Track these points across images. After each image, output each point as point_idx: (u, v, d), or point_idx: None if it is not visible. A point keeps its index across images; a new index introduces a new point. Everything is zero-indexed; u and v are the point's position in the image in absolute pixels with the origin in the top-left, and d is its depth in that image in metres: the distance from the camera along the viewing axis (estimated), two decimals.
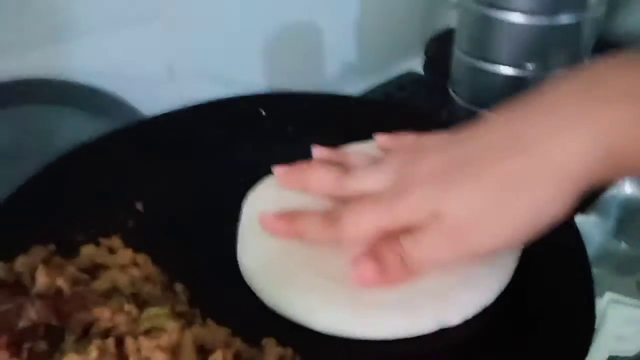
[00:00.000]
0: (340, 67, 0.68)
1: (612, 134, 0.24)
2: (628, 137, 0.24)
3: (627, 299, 0.41)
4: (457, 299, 0.28)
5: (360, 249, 0.29)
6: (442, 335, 0.28)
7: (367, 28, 0.68)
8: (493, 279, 0.29)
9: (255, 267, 0.31)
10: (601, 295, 0.41)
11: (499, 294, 0.29)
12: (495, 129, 0.27)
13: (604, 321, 0.40)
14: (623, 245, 0.46)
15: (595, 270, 0.42)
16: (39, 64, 0.47)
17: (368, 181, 0.30)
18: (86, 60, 0.49)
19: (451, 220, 0.26)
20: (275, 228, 0.31)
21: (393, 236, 0.28)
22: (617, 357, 0.38)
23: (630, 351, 0.38)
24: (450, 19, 0.61)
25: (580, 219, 0.45)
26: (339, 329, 0.28)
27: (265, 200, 0.36)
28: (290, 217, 0.31)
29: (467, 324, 0.28)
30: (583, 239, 0.43)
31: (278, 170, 0.35)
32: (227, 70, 0.56)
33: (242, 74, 0.58)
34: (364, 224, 0.29)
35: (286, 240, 0.31)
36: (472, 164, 0.26)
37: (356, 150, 0.37)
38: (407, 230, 0.27)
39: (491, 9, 0.45)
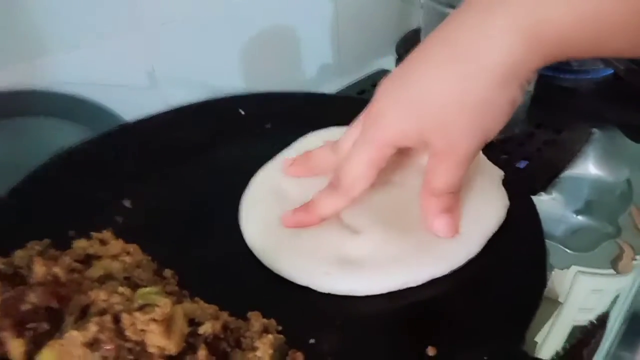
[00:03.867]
0: (318, 68, 0.70)
1: (533, 15, 0.26)
2: (551, 11, 0.25)
3: (592, 270, 0.43)
4: (424, 260, 0.32)
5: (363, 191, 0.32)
6: (411, 291, 0.31)
7: (342, 30, 0.70)
8: (460, 247, 0.33)
9: (256, 233, 0.35)
10: (568, 268, 0.43)
11: (465, 261, 0.32)
12: (431, 42, 0.29)
13: (570, 294, 0.42)
14: (589, 223, 0.48)
15: (563, 247, 0.44)
16: (22, 76, 0.48)
17: (352, 134, 0.33)
18: (69, 71, 0.50)
19: (439, 144, 0.29)
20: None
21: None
22: (580, 326, 0.40)
23: (593, 320, 0.41)
24: (420, 18, 0.64)
25: (548, 199, 0.48)
26: (321, 286, 0.31)
27: (270, 178, 0.39)
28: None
29: (434, 284, 0.31)
30: (551, 218, 0.45)
31: (285, 163, 0.39)
32: (207, 75, 0.58)
33: (222, 78, 0.59)
34: (356, 165, 0.32)
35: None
36: (418, 74, 0.29)
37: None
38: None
39: (451, 9, 0.48)
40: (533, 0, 0.26)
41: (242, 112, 0.48)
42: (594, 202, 0.49)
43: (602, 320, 0.36)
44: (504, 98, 0.28)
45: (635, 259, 0.43)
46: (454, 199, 0.32)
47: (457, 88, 0.28)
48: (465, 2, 0.28)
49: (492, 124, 0.29)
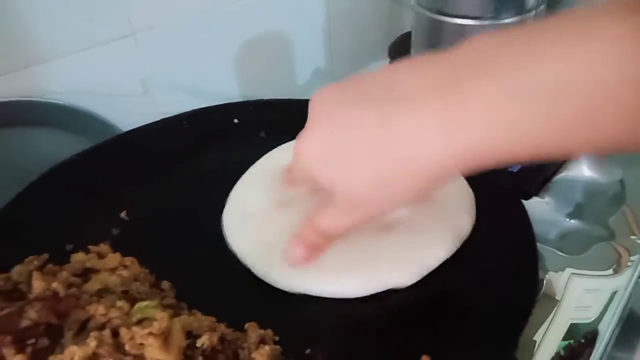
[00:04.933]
0: (311, 72, 0.70)
1: (466, 133, 0.25)
2: (483, 135, 0.25)
3: (586, 271, 0.44)
4: (406, 262, 0.32)
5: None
6: (404, 298, 0.32)
7: (334, 34, 0.70)
8: (438, 246, 0.33)
9: (244, 247, 0.35)
10: (562, 270, 0.44)
11: (444, 259, 0.33)
12: (366, 99, 0.28)
13: (566, 294, 0.42)
14: (581, 226, 0.48)
15: (555, 250, 0.45)
16: (15, 86, 0.48)
17: None
18: (62, 81, 0.50)
19: (342, 198, 0.30)
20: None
21: None
22: (578, 324, 0.41)
23: (590, 318, 0.41)
24: (411, 22, 0.64)
25: (540, 203, 0.48)
26: (311, 290, 0.32)
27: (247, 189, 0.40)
28: None
29: (418, 287, 0.32)
30: (544, 222, 0.46)
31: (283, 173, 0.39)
32: (200, 82, 0.58)
33: (216, 85, 0.59)
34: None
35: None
36: (348, 153, 0.29)
37: None
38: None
39: (440, 15, 0.48)
40: (469, 124, 0.25)
41: (236, 121, 0.48)
42: (586, 205, 0.49)
43: (591, 339, 0.37)
44: (419, 191, 0.28)
45: (629, 261, 0.43)
46: (328, 243, 0.32)
47: (379, 169, 0.28)
48: (418, 78, 0.27)
49: (399, 204, 0.30)
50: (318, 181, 0.31)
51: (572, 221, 0.48)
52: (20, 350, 0.24)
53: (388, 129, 0.27)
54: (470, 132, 0.25)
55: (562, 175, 0.50)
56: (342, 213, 0.31)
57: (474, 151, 0.25)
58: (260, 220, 0.36)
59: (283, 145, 0.43)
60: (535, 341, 0.37)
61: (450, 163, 0.26)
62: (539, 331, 0.38)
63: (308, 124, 0.31)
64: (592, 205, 0.49)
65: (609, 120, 0.23)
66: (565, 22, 0.24)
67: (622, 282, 0.42)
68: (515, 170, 0.49)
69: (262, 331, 0.27)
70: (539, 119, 0.23)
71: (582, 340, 0.38)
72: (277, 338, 0.28)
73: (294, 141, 0.42)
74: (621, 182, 0.51)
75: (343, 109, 0.29)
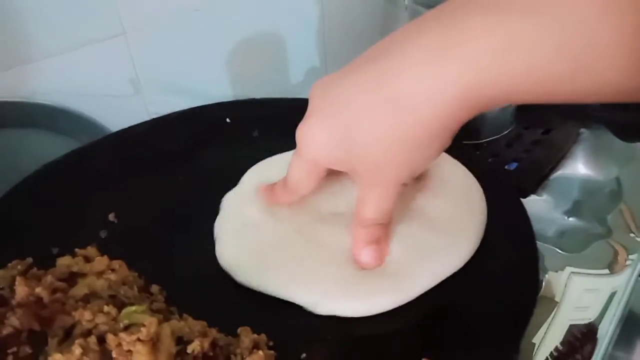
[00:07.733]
0: (305, 72, 0.69)
1: (473, 66, 0.25)
2: (493, 66, 0.24)
3: (586, 270, 0.43)
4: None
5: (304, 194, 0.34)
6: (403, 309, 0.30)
7: (328, 34, 0.69)
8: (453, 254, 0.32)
9: (234, 258, 0.34)
10: (562, 269, 0.43)
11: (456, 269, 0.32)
12: (370, 68, 0.28)
13: (565, 293, 0.41)
14: (580, 223, 0.48)
15: (555, 248, 0.44)
16: (2, 86, 0.47)
17: None
18: (50, 81, 0.49)
19: (366, 175, 0.30)
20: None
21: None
22: (577, 325, 0.40)
23: (589, 318, 0.40)
24: (405, 21, 0.64)
25: (538, 201, 0.48)
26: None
27: (242, 199, 0.38)
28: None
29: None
30: (542, 219, 0.45)
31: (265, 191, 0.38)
32: (192, 82, 0.57)
33: (208, 85, 0.59)
34: (296, 172, 0.33)
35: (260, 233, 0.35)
36: (352, 98, 0.28)
37: None
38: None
39: None
40: (479, 56, 0.24)
41: (229, 120, 0.47)
42: (584, 202, 0.49)
43: (588, 333, 0.36)
44: (434, 144, 0.28)
45: (628, 259, 0.43)
46: (383, 230, 0.32)
47: (389, 127, 0.27)
48: (417, 30, 0.27)
49: (420, 162, 0.30)
50: (335, 167, 0.31)
51: (570, 219, 0.48)
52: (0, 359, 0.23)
53: (389, 83, 0.27)
54: (474, 62, 0.24)
55: (559, 173, 0.50)
56: (375, 192, 0.30)
57: (477, 85, 0.25)
58: (254, 234, 0.35)
59: (276, 156, 0.42)
60: (534, 344, 0.36)
61: (455, 100, 0.25)
62: (537, 333, 0.38)
63: (307, 113, 0.31)
64: (589, 203, 0.49)
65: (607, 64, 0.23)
66: None
67: (621, 281, 0.42)
68: (512, 168, 0.49)
69: (255, 336, 0.26)
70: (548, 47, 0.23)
71: (579, 335, 0.37)
72: (271, 343, 0.27)
73: (288, 153, 0.42)
74: (617, 179, 0.50)
75: (339, 84, 0.29)
